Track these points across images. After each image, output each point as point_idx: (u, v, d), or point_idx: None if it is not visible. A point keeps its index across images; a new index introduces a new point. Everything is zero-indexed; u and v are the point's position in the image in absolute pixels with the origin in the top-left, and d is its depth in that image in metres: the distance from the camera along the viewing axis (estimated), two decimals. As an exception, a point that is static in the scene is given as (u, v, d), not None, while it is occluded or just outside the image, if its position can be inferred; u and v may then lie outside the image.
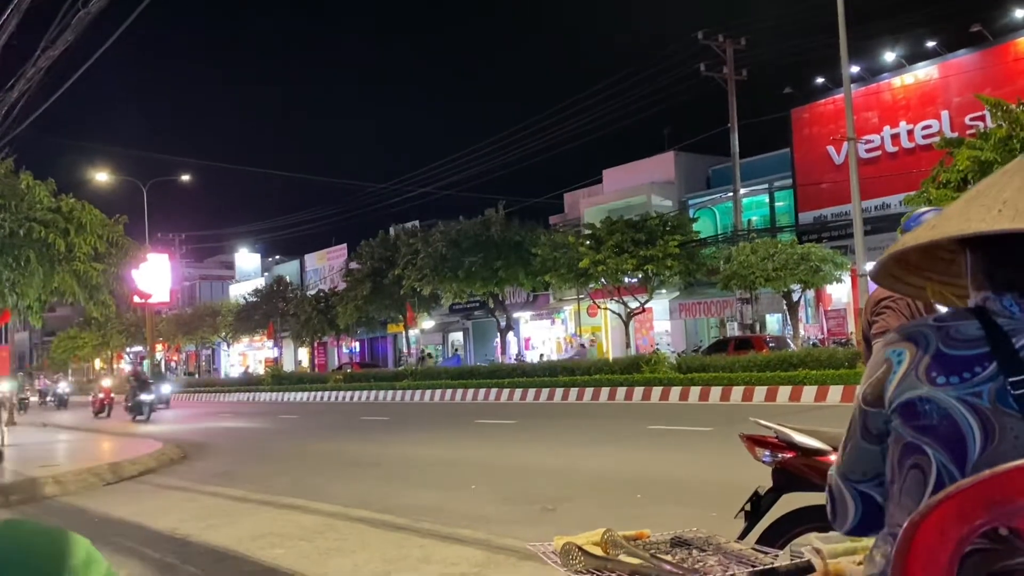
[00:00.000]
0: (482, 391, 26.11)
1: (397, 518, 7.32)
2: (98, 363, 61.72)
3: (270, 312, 45.35)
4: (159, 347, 55.56)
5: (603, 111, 51.98)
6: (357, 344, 48.90)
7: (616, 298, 28.25)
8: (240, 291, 54.21)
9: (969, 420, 1.21)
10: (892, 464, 1.31)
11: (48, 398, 39.03)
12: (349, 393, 31.94)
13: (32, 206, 19.46)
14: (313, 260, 52.47)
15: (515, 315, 37.41)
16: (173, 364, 59.04)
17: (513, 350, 36.83)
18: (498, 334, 35.59)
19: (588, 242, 27.54)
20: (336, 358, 48.49)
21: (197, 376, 56.46)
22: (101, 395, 28.39)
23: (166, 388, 32.02)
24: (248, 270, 60.12)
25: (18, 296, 20.13)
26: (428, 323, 41.82)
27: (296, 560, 6.00)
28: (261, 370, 49.55)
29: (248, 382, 43.31)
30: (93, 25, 15.77)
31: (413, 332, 41.19)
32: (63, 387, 38.26)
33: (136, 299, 37.25)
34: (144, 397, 24.70)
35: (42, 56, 17.48)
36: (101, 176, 35.91)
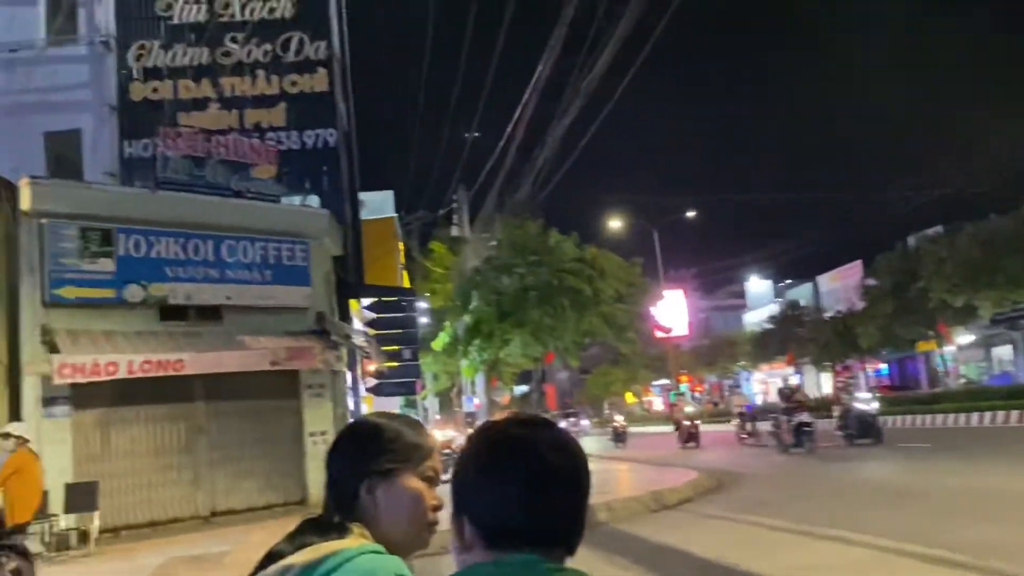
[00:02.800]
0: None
1: (956, 555, 6.43)
2: (628, 396, 66.45)
3: (786, 338, 44.61)
4: (683, 379, 58.04)
5: None
6: (884, 365, 45.72)
7: None
8: (753, 319, 54.33)
9: None
10: None
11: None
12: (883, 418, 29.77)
13: (561, 259, 21.76)
14: (826, 281, 50.59)
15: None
16: (697, 394, 61.17)
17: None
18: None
19: None
20: (863, 382, 45.85)
21: (719, 406, 57.70)
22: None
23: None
24: (759, 297, 60.12)
25: (556, 339, 22.48)
26: (965, 338, 37.44)
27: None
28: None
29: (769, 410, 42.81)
30: (598, 88, 17.19)
31: (949, 349, 37.23)
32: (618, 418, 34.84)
33: (658, 334, 39.50)
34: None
35: (558, 125, 19.53)
36: (615, 224, 38.93)
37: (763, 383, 58.17)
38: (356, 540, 1.49)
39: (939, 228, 35.02)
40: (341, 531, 1.51)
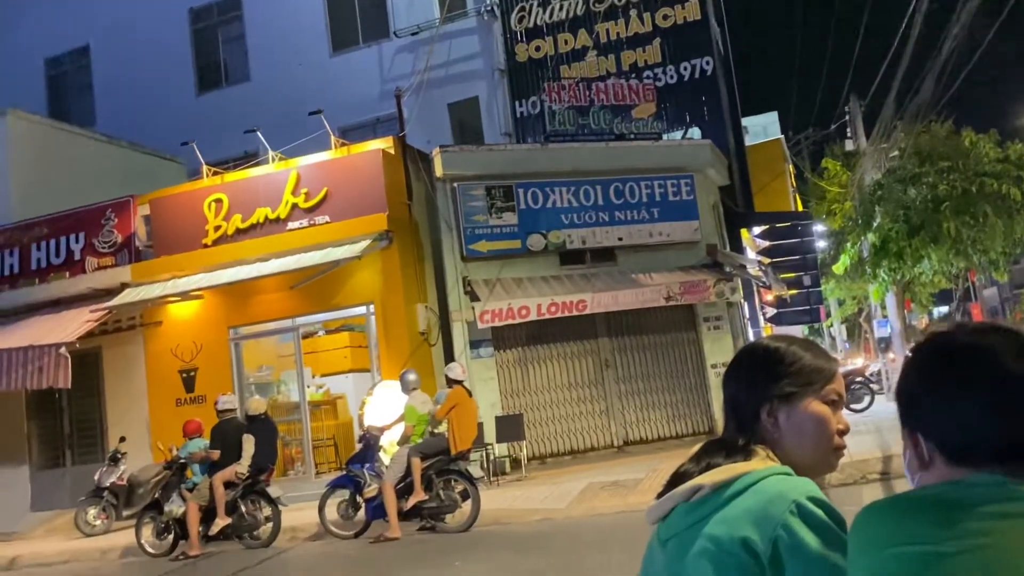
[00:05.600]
0: None
1: None
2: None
3: None
4: None
5: None
6: None
7: None
8: None
9: None
10: None
11: None
12: None
13: (979, 161, 19.27)
14: None
15: None
16: None
17: None
18: None
19: None
20: None
21: None
22: None
23: None
24: None
25: (981, 252, 20.07)
26: None
27: None
28: None
29: None
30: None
31: None
32: None
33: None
34: None
35: (963, 10, 17.17)
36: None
37: None
38: (763, 462, 1.48)
39: None
40: (746, 453, 1.51)
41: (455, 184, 14.05)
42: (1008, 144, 20.27)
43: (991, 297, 57.49)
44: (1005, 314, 61.06)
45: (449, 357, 13.39)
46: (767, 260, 19.44)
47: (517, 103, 19.04)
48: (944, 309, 48.09)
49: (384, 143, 14.13)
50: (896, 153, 21.36)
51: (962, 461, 1.16)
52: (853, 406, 15.92)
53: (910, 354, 1.29)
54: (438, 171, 14.10)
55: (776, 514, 1.36)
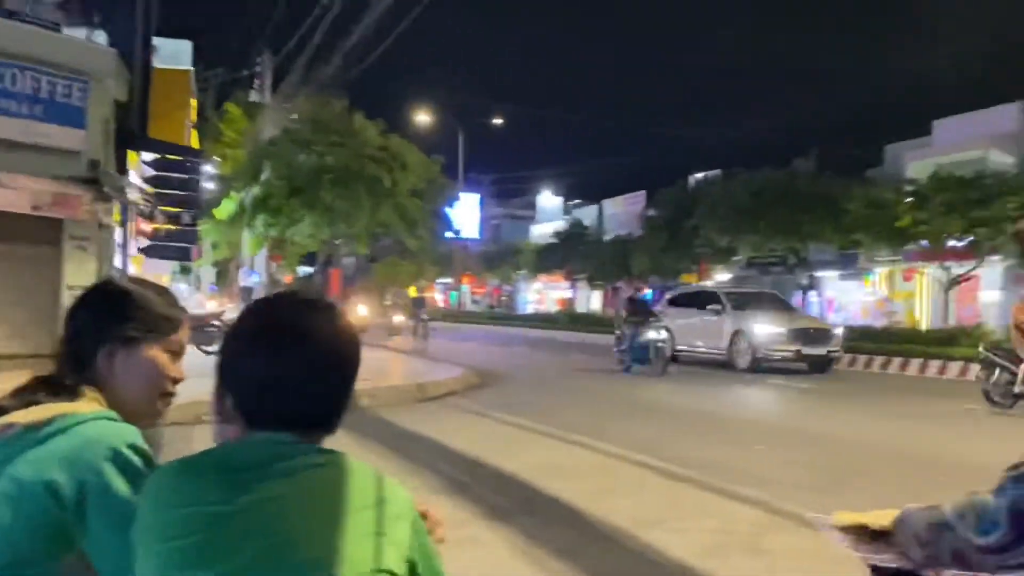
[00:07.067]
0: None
1: (676, 467, 7.24)
2: (412, 290, 67.21)
3: (567, 254, 46.56)
4: (465, 280, 59.43)
5: (935, 54, 46.70)
6: (650, 291, 48.93)
7: (938, 263, 25.68)
8: (541, 231, 56.20)
9: None
10: None
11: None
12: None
13: (363, 144, 21.26)
14: (611, 205, 52.91)
15: (819, 274, 35.33)
16: (477, 297, 62.80)
17: (815, 311, 34.93)
18: (799, 292, 33.90)
19: (910, 199, 25.12)
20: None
21: (496, 310, 59.65)
22: None
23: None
24: (549, 211, 62.00)
25: (349, 225, 22.15)
26: (723, 276, 40.82)
27: (576, 495, 6.13)
28: (554, 309, 51.34)
29: (543, 319, 45.12)
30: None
31: (709, 284, 40.52)
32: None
33: (447, 233, 40.05)
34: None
35: (378, 3, 18.85)
36: (422, 118, 38.57)
37: (538, 293, 60.72)
38: (88, 404, 1.44)
39: (718, 171, 37.49)
40: (73, 394, 1.45)
41: None
42: (390, 135, 22.66)
43: (349, 265, 63.75)
44: (355, 282, 68.15)
45: None
46: (151, 189, 18.82)
47: None
48: (310, 269, 51.78)
49: None
50: (296, 116, 22.47)
51: (255, 422, 1.25)
52: (204, 347, 16.32)
53: (237, 317, 1.36)
54: None
55: (89, 458, 1.34)
